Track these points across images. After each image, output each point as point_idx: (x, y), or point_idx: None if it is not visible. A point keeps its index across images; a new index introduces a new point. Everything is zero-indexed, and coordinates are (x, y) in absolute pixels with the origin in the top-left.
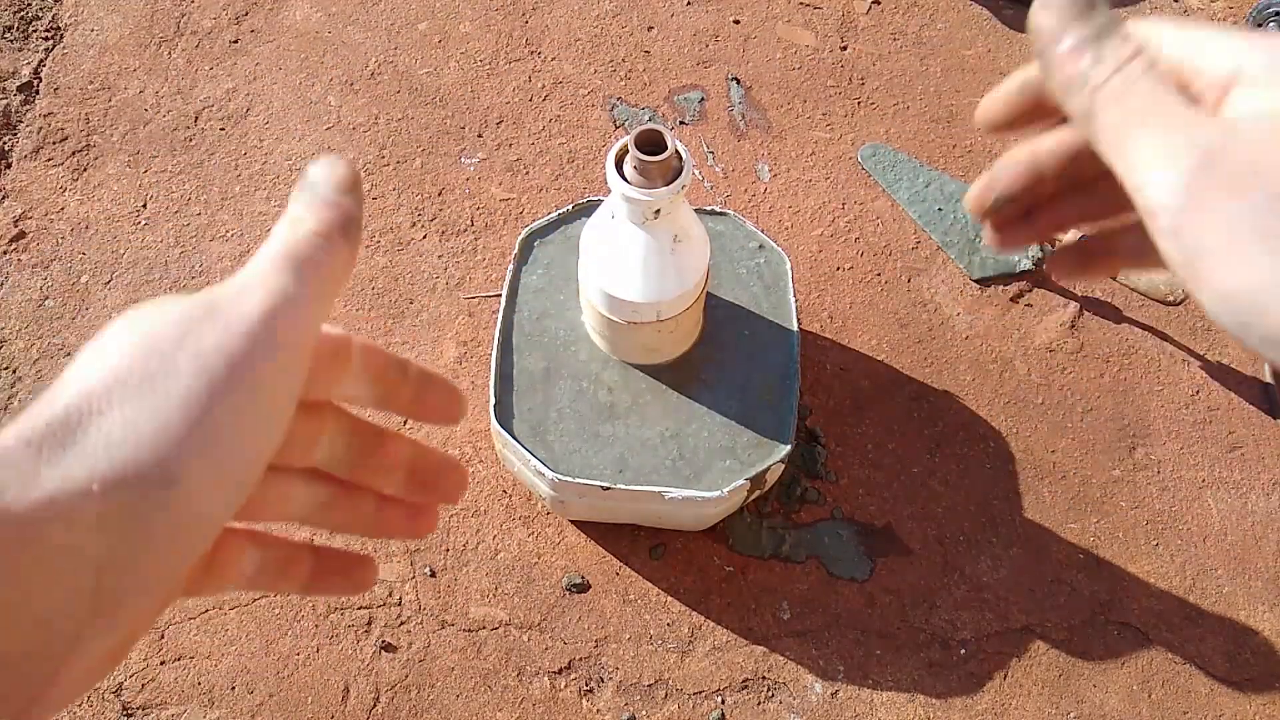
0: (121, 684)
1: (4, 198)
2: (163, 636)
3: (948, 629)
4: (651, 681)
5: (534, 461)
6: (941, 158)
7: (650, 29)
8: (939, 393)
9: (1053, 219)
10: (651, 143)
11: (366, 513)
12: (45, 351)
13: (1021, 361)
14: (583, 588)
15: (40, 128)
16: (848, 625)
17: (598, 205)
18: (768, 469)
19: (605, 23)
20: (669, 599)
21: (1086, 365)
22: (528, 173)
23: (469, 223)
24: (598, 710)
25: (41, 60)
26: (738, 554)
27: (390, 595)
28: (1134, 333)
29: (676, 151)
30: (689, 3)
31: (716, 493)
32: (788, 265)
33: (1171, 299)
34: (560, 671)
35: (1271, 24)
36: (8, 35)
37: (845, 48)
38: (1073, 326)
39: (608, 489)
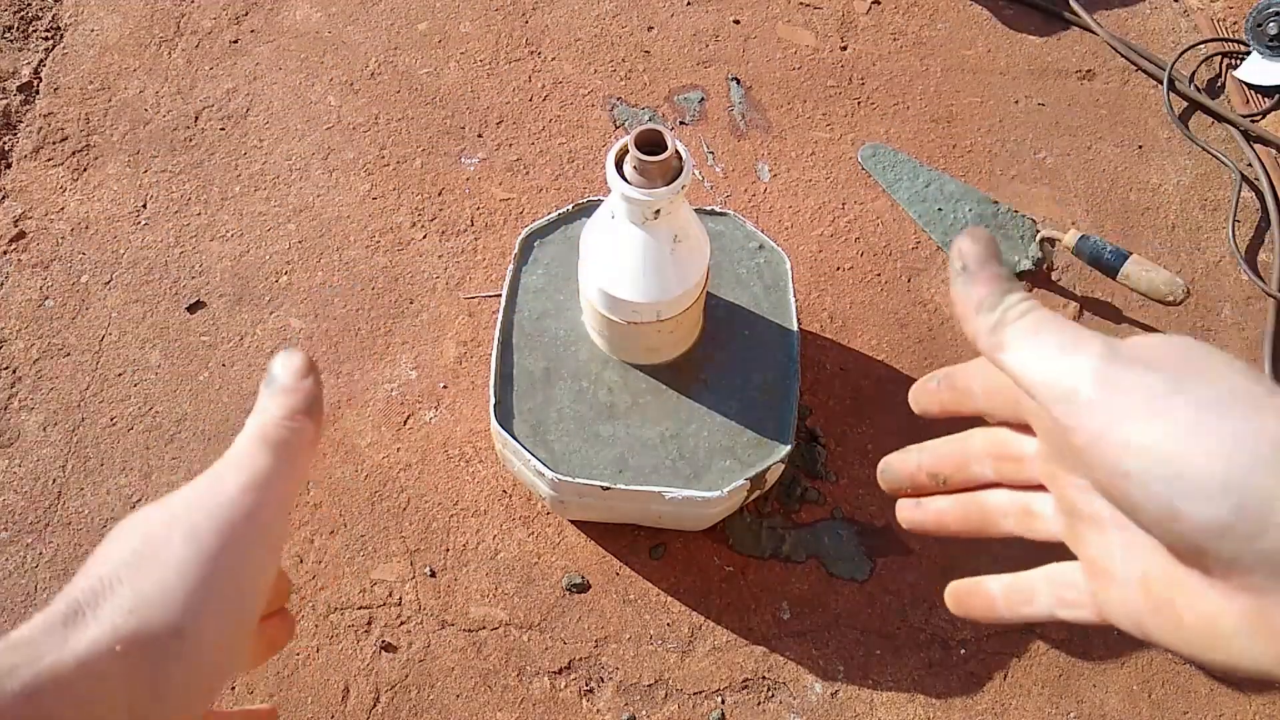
0: None
1: (4, 198)
2: None
3: (948, 629)
4: (651, 681)
5: (534, 461)
6: (941, 158)
7: (650, 29)
8: None
9: (938, 517)
10: (651, 143)
11: None
12: (45, 351)
13: None
14: (583, 588)
15: (40, 128)
16: (848, 625)
17: (598, 205)
18: (768, 469)
19: (605, 23)
20: (669, 599)
21: None
22: (528, 173)
23: (469, 223)
24: (598, 710)
25: (41, 60)
26: (738, 554)
27: (390, 595)
28: (1134, 333)
29: (676, 151)
30: (689, 3)
31: (716, 493)
32: (788, 265)
33: (1171, 299)
34: (560, 671)
35: (1272, 24)
36: (8, 35)
37: (845, 48)
38: None
39: (608, 489)
